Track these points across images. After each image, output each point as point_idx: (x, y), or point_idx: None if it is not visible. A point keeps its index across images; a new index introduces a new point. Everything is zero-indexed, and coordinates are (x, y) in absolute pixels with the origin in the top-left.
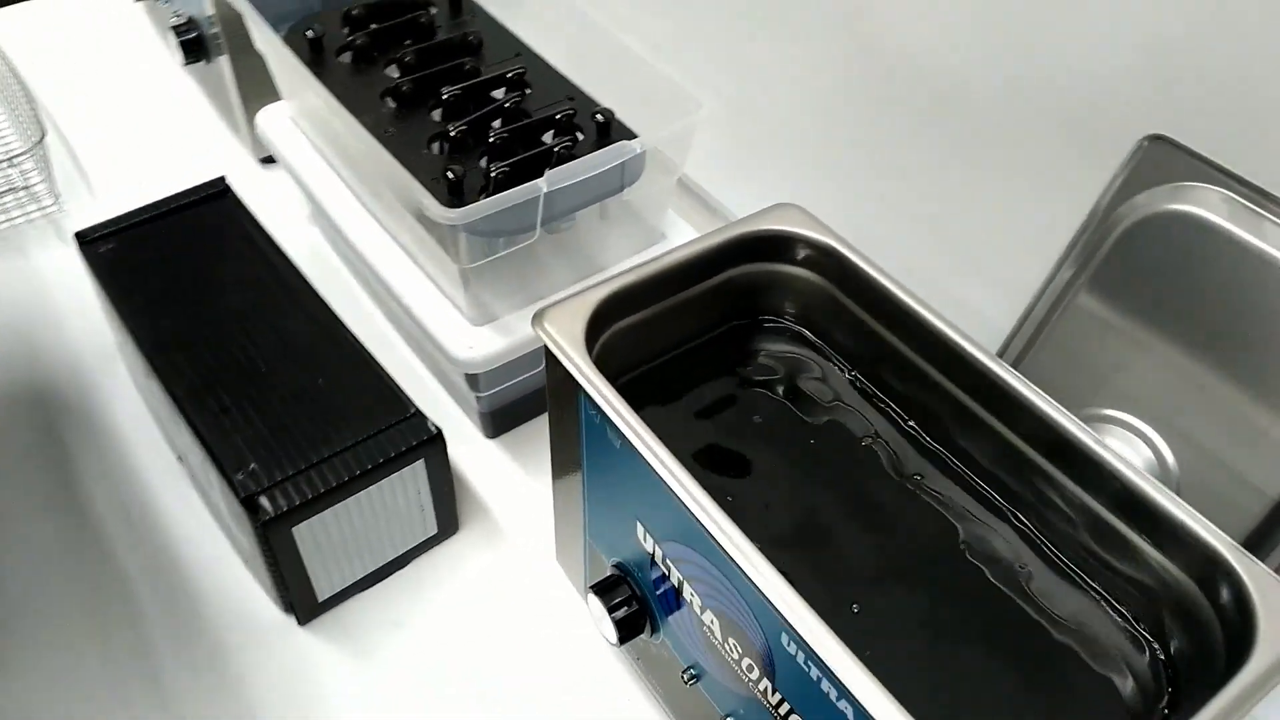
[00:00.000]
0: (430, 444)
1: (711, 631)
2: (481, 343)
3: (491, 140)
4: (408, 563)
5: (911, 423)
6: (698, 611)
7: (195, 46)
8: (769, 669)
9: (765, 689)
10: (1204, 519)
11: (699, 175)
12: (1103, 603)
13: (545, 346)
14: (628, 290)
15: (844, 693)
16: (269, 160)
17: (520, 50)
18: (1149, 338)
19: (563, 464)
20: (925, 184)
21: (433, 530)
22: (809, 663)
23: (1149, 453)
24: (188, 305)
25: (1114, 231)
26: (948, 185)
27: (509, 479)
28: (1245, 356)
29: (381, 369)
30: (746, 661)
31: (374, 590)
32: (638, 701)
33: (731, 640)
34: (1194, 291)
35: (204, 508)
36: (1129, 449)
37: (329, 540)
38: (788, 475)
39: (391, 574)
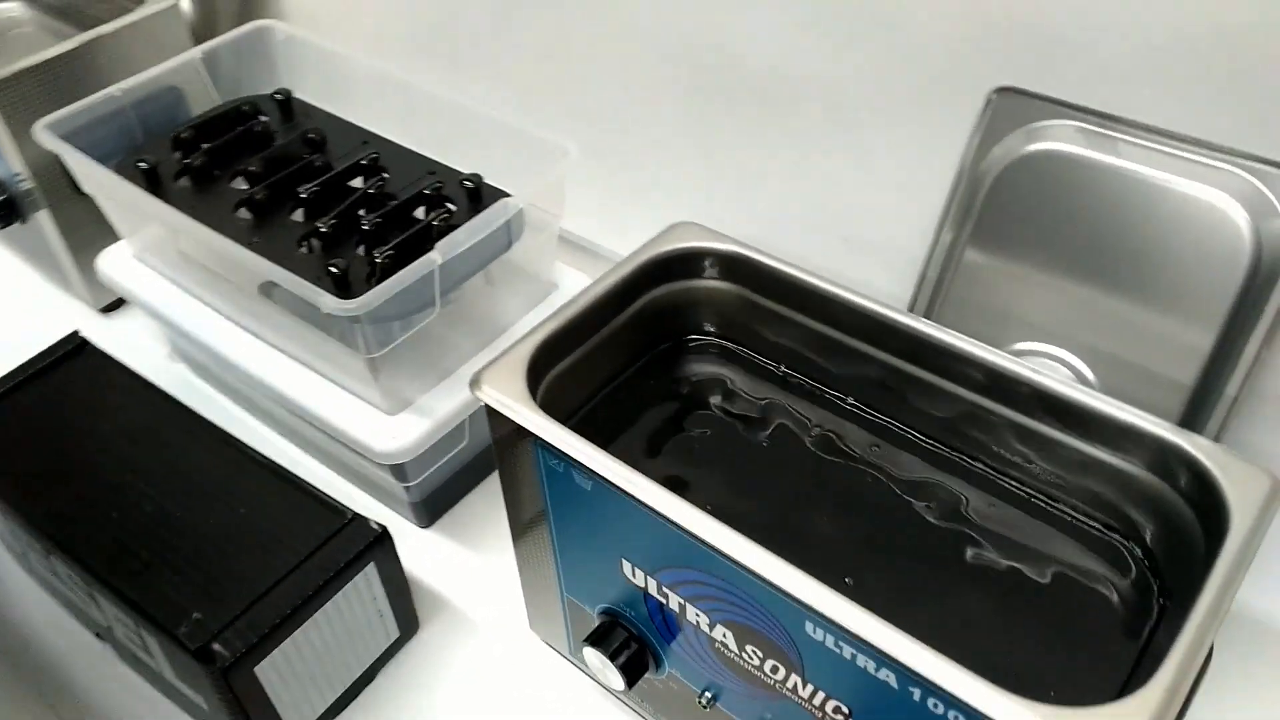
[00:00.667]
0: (378, 544)
1: (725, 645)
2: (402, 430)
3: (366, 228)
4: (375, 675)
5: (851, 400)
6: (707, 630)
7: (6, 209)
8: (797, 663)
9: (794, 685)
10: (1145, 413)
11: (575, 226)
12: (1074, 521)
13: (488, 409)
14: (556, 335)
15: (883, 660)
16: (112, 307)
17: (366, 138)
18: (1039, 273)
19: (525, 526)
20: (800, 177)
21: (395, 634)
22: (840, 643)
23: (1068, 374)
24: (74, 471)
25: (984, 184)
26: (822, 174)
27: (456, 563)
28: (1128, 266)
29: (303, 481)
30: (770, 664)
31: (347, 713)
32: None
33: (750, 648)
34: (1069, 219)
35: (143, 681)
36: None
37: (294, 672)
38: (752, 480)
39: (361, 691)
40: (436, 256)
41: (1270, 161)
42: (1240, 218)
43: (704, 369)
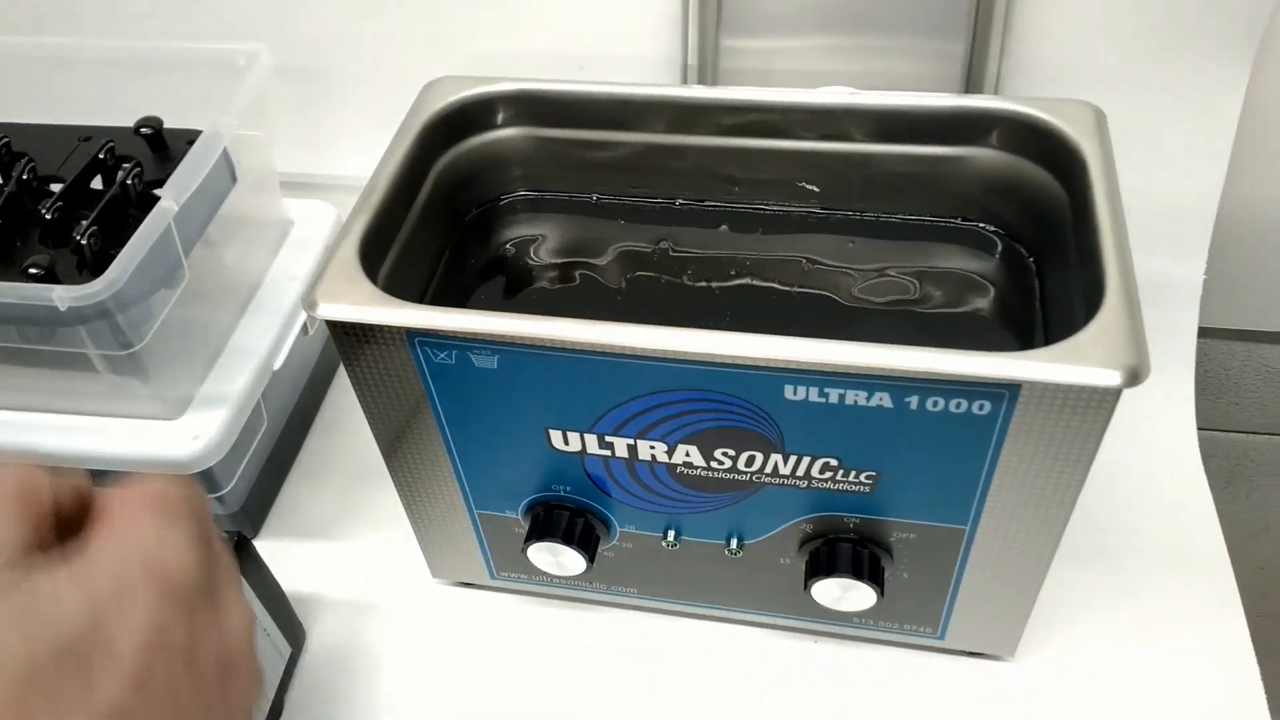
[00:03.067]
0: (242, 554)
1: (690, 464)
2: (198, 429)
3: (48, 218)
4: (283, 704)
5: (679, 200)
6: (666, 458)
7: None
8: (776, 440)
9: (774, 466)
10: (960, 94)
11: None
12: (936, 226)
13: (338, 326)
14: (371, 229)
15: (876, 383)
16: None
17: None
18: (798, 36)
19: (410, 457)
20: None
21: (288, 651)
22: (826, 390)
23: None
24: None
25: None
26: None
27: (308, 560)
28: (865, 3)
29: None
30: (746, 456)
31: None
32: (644, 627)
33: (719, 451)
34: None
35: None
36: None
37: None
38: (625, 312)
39: None
40: (170, 204)
41: None
42: None
43: (522, 226)
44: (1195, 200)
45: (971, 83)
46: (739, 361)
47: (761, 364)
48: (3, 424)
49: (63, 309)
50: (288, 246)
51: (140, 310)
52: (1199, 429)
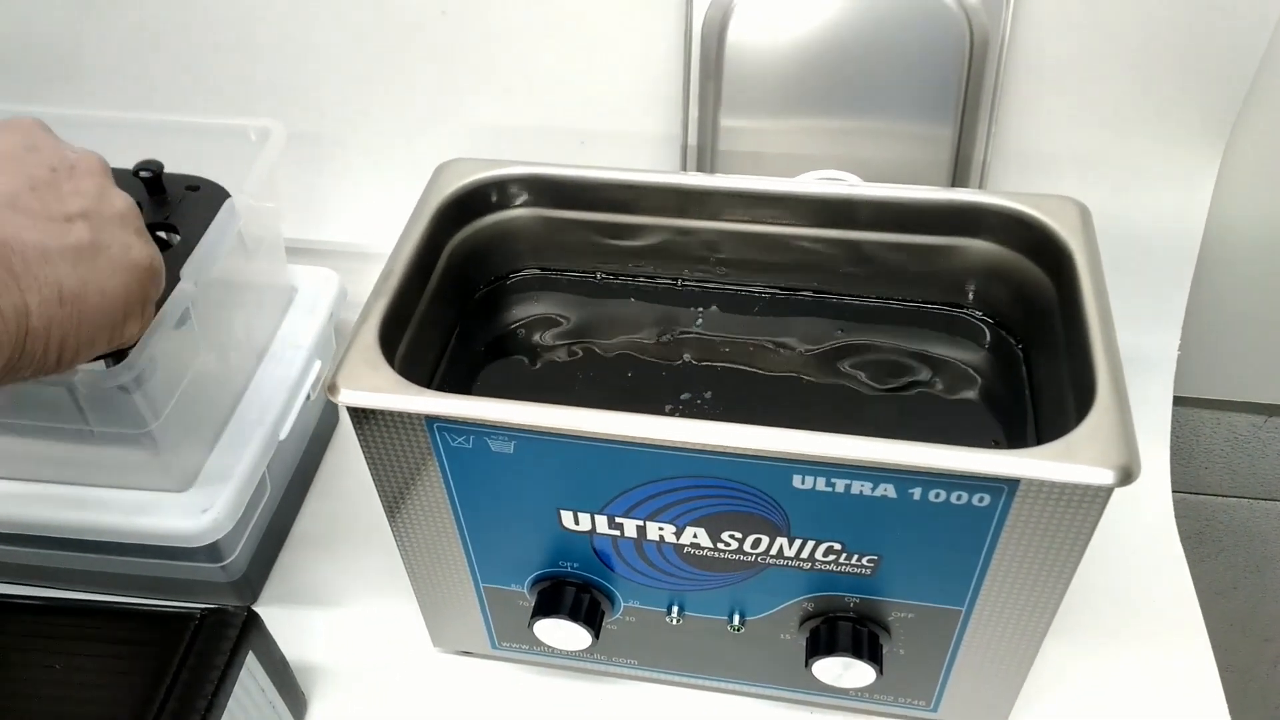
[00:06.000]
0: (251, 629)
1: (697, 545)
2: (207, 503)
3: None
4: None
5: (684, 281)
6: (674, 539)
7: None
8: (783, 524)
9: (779, 549)
10: (947, 189)
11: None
12: (920, 312)
13: (358, 412)
14: (390, 311)
15: (881, 475)
16: None
17: None
18: (793, 116)
19: (419, 531)
20: (529, 90)
21: None
22: (832, 481)
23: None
24: None
25: (713, 48)
26: (551, 82)
27: (307, 626)
28: (859, 89)
29: (121, 604)
30: (752, 539)
31: None
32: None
33: (726, 534)
34: (799, 59)
35: None
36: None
37: None
38: (628, 390)
39: None
40: (190, 286)
41: None
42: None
43: (528, 303)
44: (1171, 278)
45: (959, 166)
46: (750, 453)
47: (772, 455)
48: (10, 496)
49: (81, 390)
50: (292, 313)
51: (156, 389)
52: (1172, 491)
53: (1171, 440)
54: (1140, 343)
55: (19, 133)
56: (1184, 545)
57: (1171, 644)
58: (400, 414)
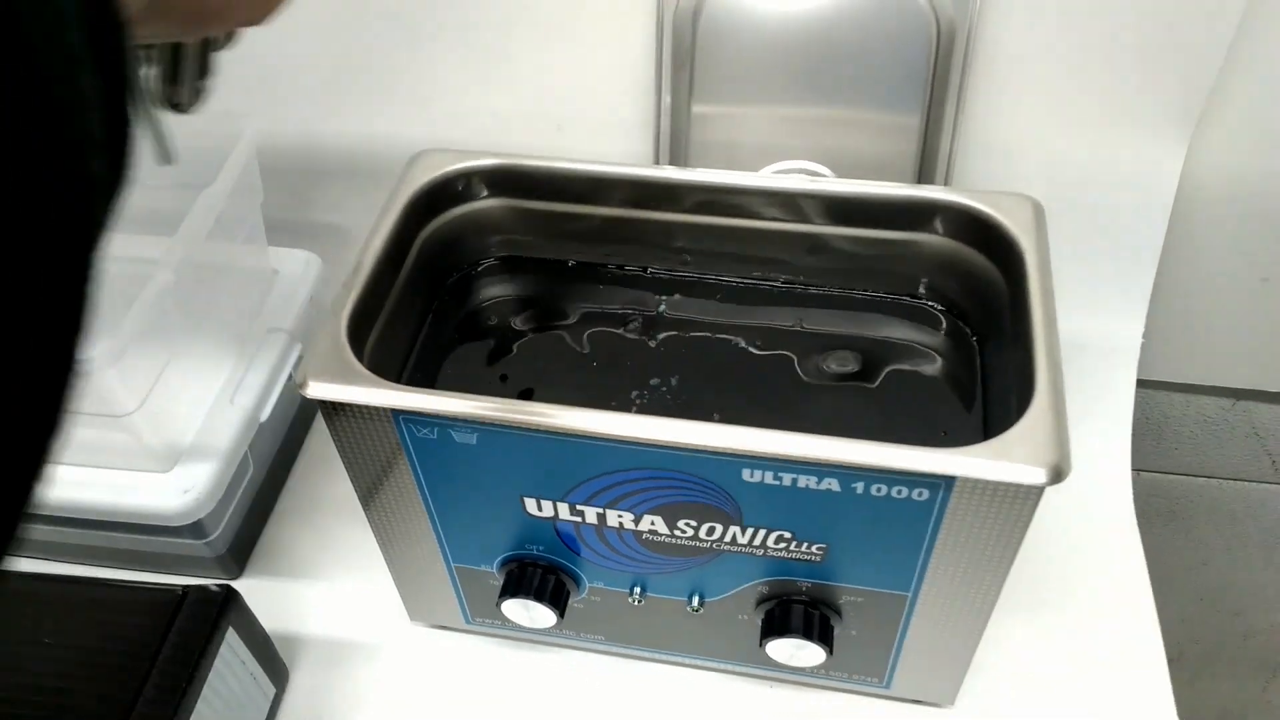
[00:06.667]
0: (231, 606)
1: (655, 532)
2: (192, 481)
3: None
4: None
5: (650, 269)
6: (633, 526)
7: None
8: (735, 514)
9: (733, 536)
10: (905, 184)
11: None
12: (878, 302)
13: (327, 405)
14: (359, 304)
15: (826, 470)
16: None
17: None
18: (765, 104)
19: (391, 513)
20: (501, 80)
21: (272, 691)
22: (780, 475)
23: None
24: None
25: (685, 37)
26: (527, 71)
27: (290, 599)
28: (830, 79)
29: (103, 580)
30: (706, 527)
31: None
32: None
33: (682, 522)
34: (771, 49)
35: None
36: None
37: None
38: (595, 376)
39: None
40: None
41: None
42: None
43: (498, 290)
44: (1134, 266)
45: (926, 156)
46: (701, 448)
47: (722, 451)
48: None
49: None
50: (273, 296)
51: (136, 375)
52: (1142, 471)
53: (1143, 422)
54: (1106, 328)
55: None
56: (1154, 523)
57: (1121, 630)
58: (367, 407)
